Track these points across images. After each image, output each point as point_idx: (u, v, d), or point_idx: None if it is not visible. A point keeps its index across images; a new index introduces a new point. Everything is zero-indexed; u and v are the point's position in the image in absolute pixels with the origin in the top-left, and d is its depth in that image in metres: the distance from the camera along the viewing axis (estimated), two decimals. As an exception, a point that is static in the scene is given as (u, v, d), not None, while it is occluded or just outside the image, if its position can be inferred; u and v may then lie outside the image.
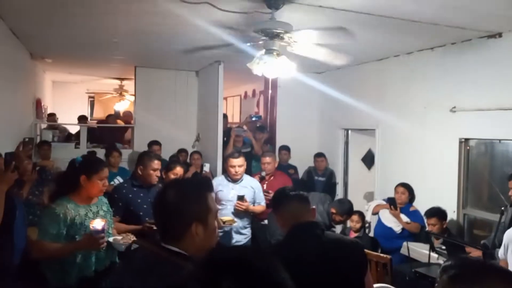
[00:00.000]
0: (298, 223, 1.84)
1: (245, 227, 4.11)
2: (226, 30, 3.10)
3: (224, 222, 3.79)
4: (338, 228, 5.95)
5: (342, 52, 3.38)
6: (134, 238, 2.63)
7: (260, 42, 2.95)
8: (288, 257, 1.86)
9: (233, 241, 4.04)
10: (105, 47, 5.14)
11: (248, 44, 3.08)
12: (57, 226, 2.41)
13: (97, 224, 2.33)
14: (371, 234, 4.93)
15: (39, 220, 2.81)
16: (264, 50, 2.96)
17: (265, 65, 2.92)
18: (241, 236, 4.08)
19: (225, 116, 6.53)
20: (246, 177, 4.17)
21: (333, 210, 4.17)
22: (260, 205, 4.12)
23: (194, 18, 3.29)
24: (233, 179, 4.07)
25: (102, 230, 2.34)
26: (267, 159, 4.77)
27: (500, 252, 2.93)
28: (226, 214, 4.01)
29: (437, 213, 3.94)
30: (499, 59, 3.73)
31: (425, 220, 4.09)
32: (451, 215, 4.11)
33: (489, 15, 3.19)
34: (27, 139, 4.41)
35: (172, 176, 3.74)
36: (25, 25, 4.20)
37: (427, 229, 4.12)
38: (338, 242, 1.93)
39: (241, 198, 3.91)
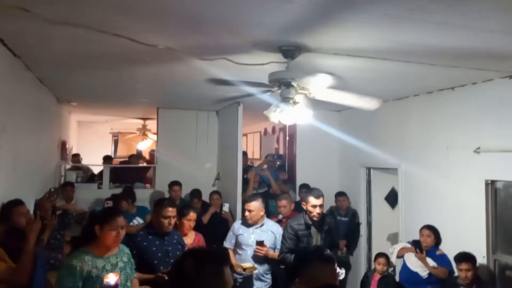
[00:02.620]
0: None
1: (266, 273, 4.02)
2: (243, 79, 3.15)
3: (244, 269, 3.73)
4: (361, 269, 5.78)
5: (364, 95, 3.35)
6: None
7: (277, 91, 2.98)
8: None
9: (254, 287, 3.96)
10: (128, 92, 5.29)
11: (265, 93, 3.11)
12: (72, 279, 2.42)
13: (111, 279, 2.33)
14: (396, 278, 4.75)
15: (59, 267, 2.83)
16: (280, 98, 2.98)
17: (281, 113, 2.93)
18: (262, 283, 4.00)
19: (245, 153, 6.55)
20: (268, 222, 4.13)
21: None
22: None
23: (212, 70, 3.38)
24: (247, 223, 4.05)
25: (115, 286, 2.32)
26: (283, 202, 4.73)
27: None
28: (246, 259, 3.96)
29: (469, 257, 3.76)
30: (523, 99, 3.64)
31: (454, 265, 3.92)
32: (481, 260, 3.91)
33: (509, 56, 3.13)
34: (52, 189, 4.53)
35: (186, 222, 3.73)
36: (51, 74, 4.38)
37: (455, 274, 3.95)
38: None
39: (260, 243, 3.86)
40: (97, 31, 2.60)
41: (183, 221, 3.72)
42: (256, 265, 3.88)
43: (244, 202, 4.14)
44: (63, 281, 2.43)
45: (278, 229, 4.10)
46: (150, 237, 3.26)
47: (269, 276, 4.05)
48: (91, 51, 3.23)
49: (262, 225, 4.05)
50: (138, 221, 5.14)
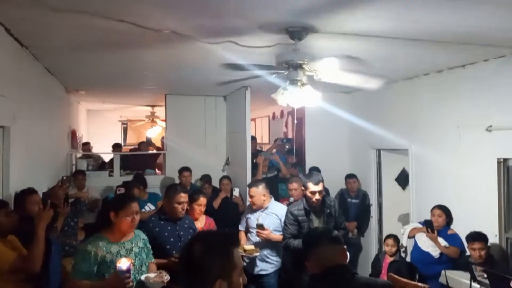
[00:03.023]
0: (329, 267, 1.78)
1: (272, 255, 4.05)
2: (250, 62, 3.12)
3: (245, 251, 3.75)
4: (372, 250, 5.80)
5: (372, 76, 3.31)
6: (167, 276, 2.63)
7: (284, 73, 2.95)
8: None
9: (257, 269, 4.00)
10: (136, 79, 5.30)
11: (273, 75, 3.08)
12: (87, 264, 2.46)
13: (123, 264, 2.35)
14: (408, 259, 4.76)
15: (74, 253, 2.89)
16: (288, 81, 2.95)
17: (289, 96, 2.91)
18: (268, 265, 4.02)
19: (253, 138, 6.56)
20: (273, 205, 4.14)
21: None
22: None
23: (219, 52, 3.35)
24: (252, 208, 4.12)
25: (128, 270, 2.34)
26: (294, 185, 4.71)
27: None
28: (253, 241, 4.02)
29: (482, 237, 3.74)
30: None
31: (466, 245, 3.91)
32: (493, 239, 3.89)
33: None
34: (65, 177, 4.57)
35: (196, 207, 3.75)
36: (59, 64, 4.39)
37: (467, 254, 3.94)
38: (369, 285, 1.85)
39: (260, 226, 3.88)
40: (102, 17, 2.58)
41: (194, 206, 3.75)
42: (259, 248, 3.90)
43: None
44: (78, 265, 2.47)
45: (282, 212, 4.07)
46: (162, 222, 3.30)
47: (276, 258, 4.06)
48: (96, 39, 3.22)
49: (266, 208, 4.06)
50: (149, 207, 5.19)
